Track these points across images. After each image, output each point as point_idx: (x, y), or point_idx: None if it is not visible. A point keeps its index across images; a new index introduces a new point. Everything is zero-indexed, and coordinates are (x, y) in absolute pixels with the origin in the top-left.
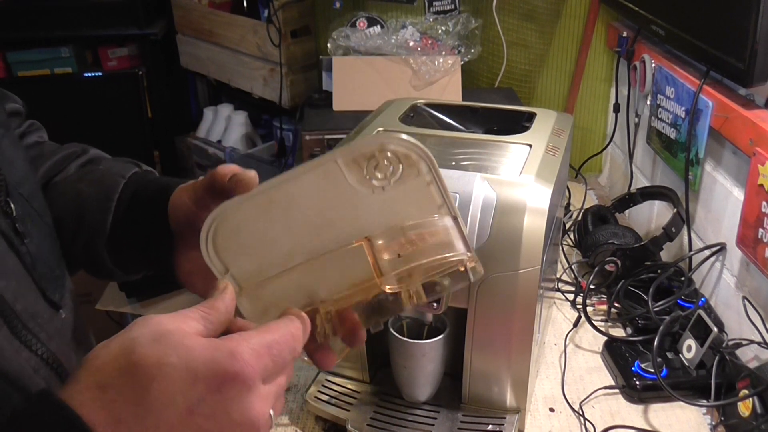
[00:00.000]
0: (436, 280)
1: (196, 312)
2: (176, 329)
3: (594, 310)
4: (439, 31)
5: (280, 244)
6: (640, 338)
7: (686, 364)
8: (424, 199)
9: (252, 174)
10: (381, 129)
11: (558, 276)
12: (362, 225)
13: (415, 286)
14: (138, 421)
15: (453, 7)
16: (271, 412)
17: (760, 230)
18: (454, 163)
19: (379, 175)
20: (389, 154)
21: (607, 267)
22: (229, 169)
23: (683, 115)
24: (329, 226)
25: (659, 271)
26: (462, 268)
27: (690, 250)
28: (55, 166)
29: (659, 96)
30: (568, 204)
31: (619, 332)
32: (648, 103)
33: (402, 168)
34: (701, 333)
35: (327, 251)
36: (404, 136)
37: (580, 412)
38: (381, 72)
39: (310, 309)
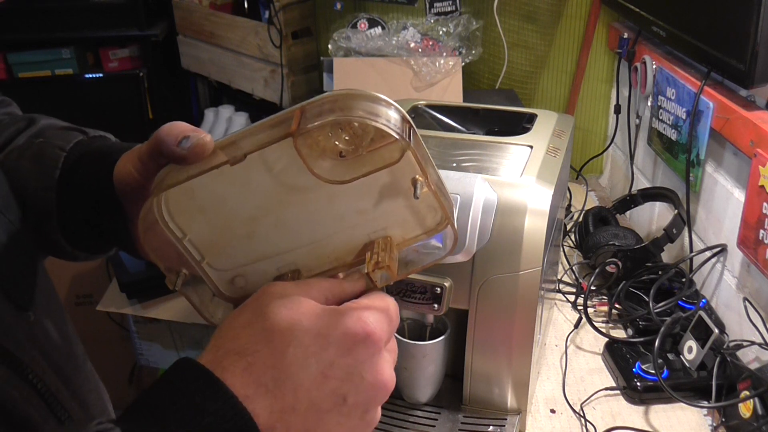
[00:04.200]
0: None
1: (321, 284)
2: (303, 294)
3: (595, 311)
4: (440, 33)
5: (241, 209)
6: (641, 339)
7: (687, 365)
8: (399, 165)
9: (207, 140)
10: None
11: (559, 277)
12: (332, 193)
13: (388, 262)
14: (277, 384)
15: (454, 8)
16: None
17: (761, 231)
18: (455, 165)
19: (347, 139)
20: (357, 125)
21: (608, 268)
22: (178, 129)
23: (684, 117)
24: (294, 189)
25: (660, 273)
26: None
27: (691, 251)
28: (3, 144)
29: (660, 97)
30: (569, 205)
31: (620, 333)
32: (649, 104)
33: (372, 136)
34: (702, 334)
35: (295, 216)
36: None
37: (581, 414)
38: (382, 73)
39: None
